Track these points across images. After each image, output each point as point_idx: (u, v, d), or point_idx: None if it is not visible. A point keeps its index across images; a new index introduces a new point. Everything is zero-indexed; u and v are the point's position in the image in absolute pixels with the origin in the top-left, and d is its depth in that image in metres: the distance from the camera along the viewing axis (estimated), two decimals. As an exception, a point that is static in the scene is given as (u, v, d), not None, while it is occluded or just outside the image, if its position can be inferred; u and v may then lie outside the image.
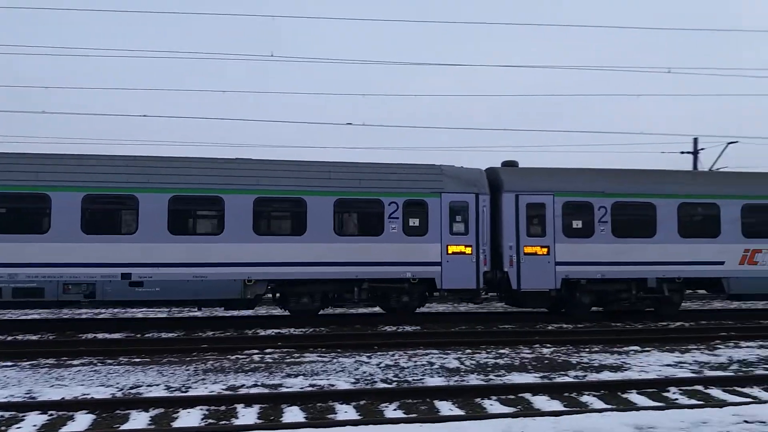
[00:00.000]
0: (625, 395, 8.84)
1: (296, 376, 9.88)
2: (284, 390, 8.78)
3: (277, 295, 16.37)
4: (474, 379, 9.64)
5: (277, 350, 12.24)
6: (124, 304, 17.53)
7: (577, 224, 16.90)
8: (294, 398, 8.25)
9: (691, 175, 20.28)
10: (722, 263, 17.45)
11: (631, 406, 7.81)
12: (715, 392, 8.98)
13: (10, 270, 14.42)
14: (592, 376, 9.93)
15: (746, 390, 9.12)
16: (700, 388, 9.23)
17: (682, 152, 30.82)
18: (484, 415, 7.33)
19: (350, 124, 24.02)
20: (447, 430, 6.23)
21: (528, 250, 16.65)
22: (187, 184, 15.30)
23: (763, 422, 6.46)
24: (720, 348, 12.94)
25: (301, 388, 8.94)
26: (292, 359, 11.37)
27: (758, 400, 8.16)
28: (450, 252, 16.23)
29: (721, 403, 7.77)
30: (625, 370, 10.58)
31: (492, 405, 8.14)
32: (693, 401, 8.36)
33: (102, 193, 14.98)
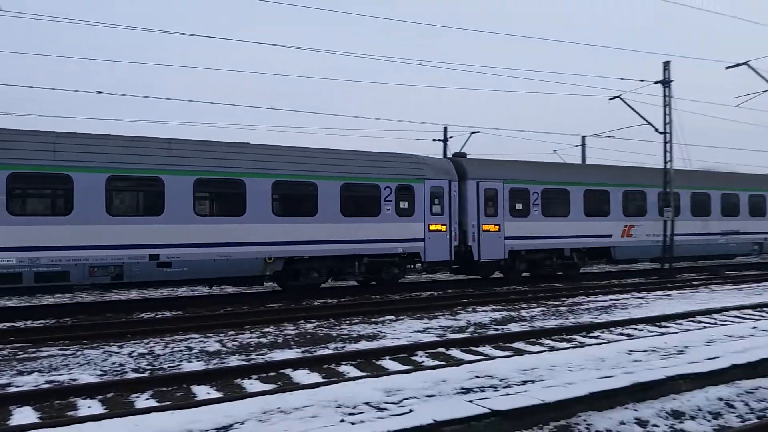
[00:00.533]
0: (379, 362, 9.39)
1: (30, 373, 8.69)
2: (13, 390, 7.65)
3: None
4: (235, 361, 9.45)
5: (8, 345, 10.65)
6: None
7: (518, 206, 20.63)
8: (25, 398, 7.23)
9: (590, 168, 24.66)
10: (611, 236, 22.49)
11: (384, 372, 8.30)
12: (455, 353, 9.98)
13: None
14: (350, 347, 10.39)
15: (480, 348, 10.29)
16: (442, 350, 10.17)
17: (434, 139, 33.61)
18: (242, 395, 7.21)
19: (100, 92, 21.57)
20: (203, 414, 5.98)
21: (485, 227, 20.06)
22: (211, 167, 15.80)
23: (491, 376, 7.34)
24: (461, 313, 14.45)
25: (36, 386, 7.87)
26: (26, 355, 9.99)
27: (488, 357, 9.27)
28: (431, 230, 18.92)
29: (459, 362, 8.67)
30: (381, 338, 11.26)
31: (252, 384, 8.07)
32: (436, 362, 9.17)
33: (127, 174, 14.87)
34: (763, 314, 13.34)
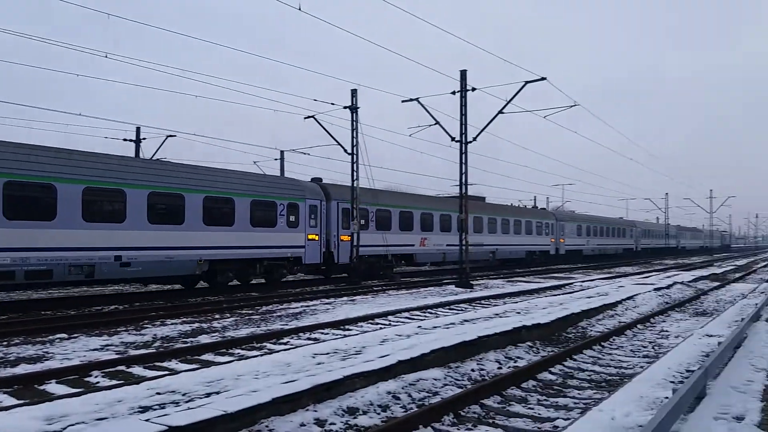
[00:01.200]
0: (42, 387, 8.18)
1: None
2: None
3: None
4: None
5: None
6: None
7: (363, 221, 26.55)
8: None
9: (403, 196, 31.72)
10: (413, 245, 30.07)
11: (46, 398, 7.23)
12: (137, 370, 9.24)
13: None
14: (5, 372, 8.84)
15: (165, 364, 9.71)
16: (123, 368, 9.34)
17: (125, 140, 31.22)
18: None
19: None
20: None
21: (342, 238, 25.95)
22: (162, 184, 18.69)
23: (173, 391, 6.94)
24: (147, 327, 13.53)
25: None
26: None
27: (173, 372, 8.77)
28: (309, 239, 23.93)
29: (139, 380, 8.02)
30: (47, 360, 9.86)
31: None
32: (113, 382, 8.35)
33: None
34: (427, 315, 15.35)
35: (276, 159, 40.37)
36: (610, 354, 10.54)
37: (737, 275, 32.41)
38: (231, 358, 9.95)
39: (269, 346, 11.30)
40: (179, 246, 18.95)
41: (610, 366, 9.59)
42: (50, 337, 11.91)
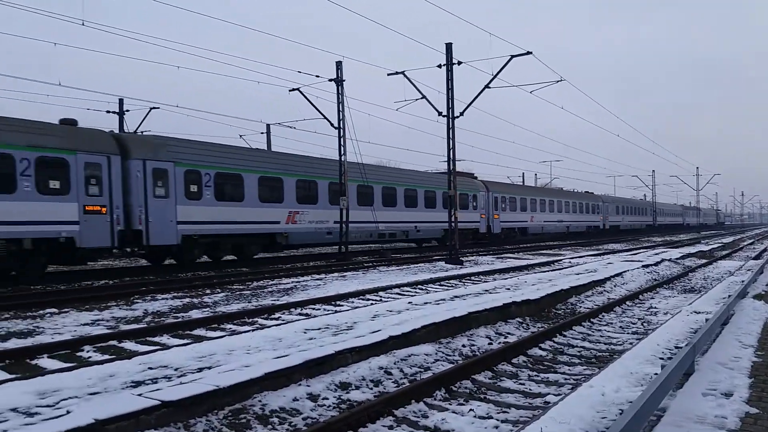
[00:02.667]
0: (34, 361, 8.18)
1: None
2: None
3: None
4: None
5: None
6: None
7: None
8: None
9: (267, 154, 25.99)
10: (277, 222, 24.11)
11: (38, 372, 7.24)
12: (129, 345, 9.25)
13: None
14: (-4, 347, 8.83)
15: (157, 338, 9.73)
16: (114, 342, 9.34)
17: (108, 111, 30.83)
18: None
19: None
20: None
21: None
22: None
23: (165, 366, 6.96)
24: (138, 302, 13.52)
25: None
26: None
27: (165, 347, 8.79)
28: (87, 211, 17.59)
29: (131, 355, 8.04)
30: (38, 334, 9.85)
31: None
32: (105, 357, 8.37)
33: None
34: (417, 291, 15.43)
35: (262, 133, 39.99)
36: (599, 330, 10.67)
37: (724, 252, 32.72)
38: (222, 333, 9.98)
39: (261, 321, 11.34)
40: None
41: (599, 342, 9.71)
42: (40, 312, 11.89)
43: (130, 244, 18.53)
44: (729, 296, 11.27)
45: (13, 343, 9.10)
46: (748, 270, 19.90)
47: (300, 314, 11.99)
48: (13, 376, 7.27)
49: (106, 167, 17.59)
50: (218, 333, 10.15)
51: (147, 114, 29.33)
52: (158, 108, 29.21)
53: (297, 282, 17.41)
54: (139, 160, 18.67)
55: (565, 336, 9.98)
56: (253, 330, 9.69)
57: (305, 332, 8.75)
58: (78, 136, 17.37)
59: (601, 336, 10.21)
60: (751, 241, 50.97)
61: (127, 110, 30.82)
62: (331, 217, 26.07)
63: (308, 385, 6.58)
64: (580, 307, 13.24)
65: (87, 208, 17.17)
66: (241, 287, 16.37)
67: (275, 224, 23.49)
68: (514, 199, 43.43)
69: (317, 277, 18.80)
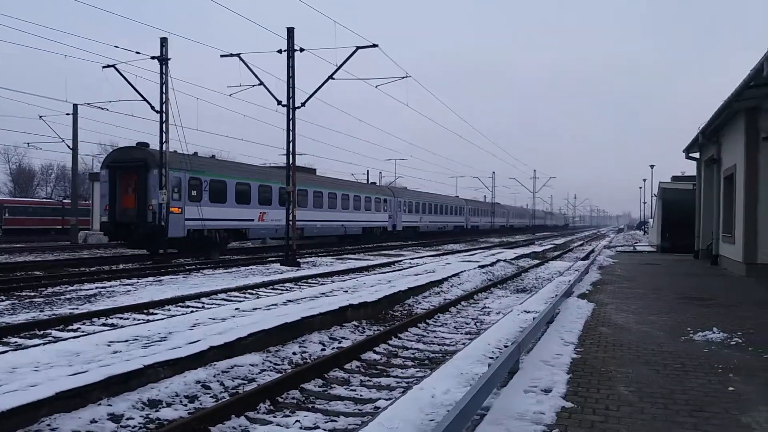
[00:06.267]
0: None
1: None
2: None
3: None
4: None
5: None
6: None
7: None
8: None
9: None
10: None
11: None
12: None
13: None
14: None
15: None
16: None
17: None
18: None
19: None
20: None
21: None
22: None
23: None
24: None
25: None
26: None
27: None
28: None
29: None
30: None
31: None
32: None
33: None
34: (247, 296, 15.23)
35: (68, 114, 37.12)
36: (434, 331, 11.29)
37: (556, 254, 36.09)
38: (5, 349, 9.09)
39: (55, 333, 10.52)
40: None
41: (433, 343, 10.27)
42: None
43: None
44: (556, 295, 12.46)
45: None
46: (576, 270, 22.16)
47: (104, 325, 11.33)
48: None
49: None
50: (1, 348, 9.22)
51: None
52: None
53: (102, 288, 16.37)
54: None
55: (400, 338, 10.44)
56: (44, 344, 8.93)
57: (109, 345, 8.27)
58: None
59: (435, 337, 10.81)
60: (581, 242, 56.68)
61: None
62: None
63: (110, 405, 6.25)
64: (417, 308, 13.91)
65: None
66: (31, 293, 15.04)
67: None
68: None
69: (127, 282, 17.80)
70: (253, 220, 30.56)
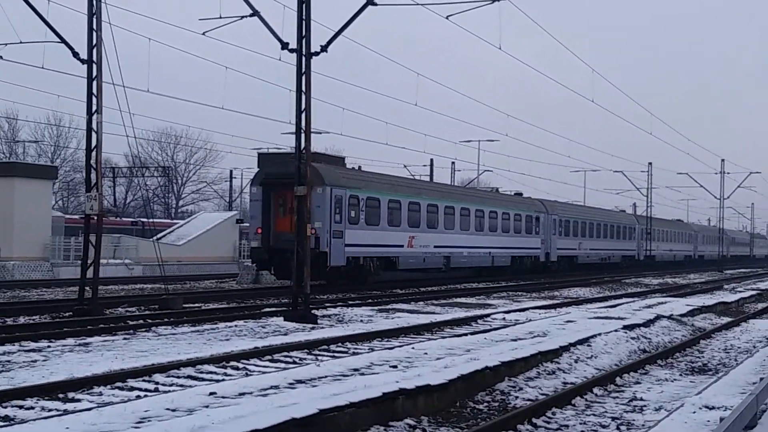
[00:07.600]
0: None
1: None
2: None
3: None
4: None
5: None
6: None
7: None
8: None
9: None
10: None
11: None
12: None
13: None
14: None
15: None
16: None
17: None
18: None
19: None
20: None
21: None
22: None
23: None
24: None
25: None
26: None
27: None
28: None
29: None
30: None
31: None
32: None
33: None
34: (228, 372, 12.91)
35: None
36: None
37: (760, 306, 28.05)
38: None
39: None
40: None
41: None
42: None
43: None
44: (761, 379, 8.88)
45: None
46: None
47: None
48: None
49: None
50: None
51: None
52: None
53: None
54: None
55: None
56: None
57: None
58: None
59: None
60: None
61: None
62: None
63: None
64: (516, 398, 10.26)
65: None
66: None
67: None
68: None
69: (33, 346, 13.67)
70: (402, 246, 27.84)
